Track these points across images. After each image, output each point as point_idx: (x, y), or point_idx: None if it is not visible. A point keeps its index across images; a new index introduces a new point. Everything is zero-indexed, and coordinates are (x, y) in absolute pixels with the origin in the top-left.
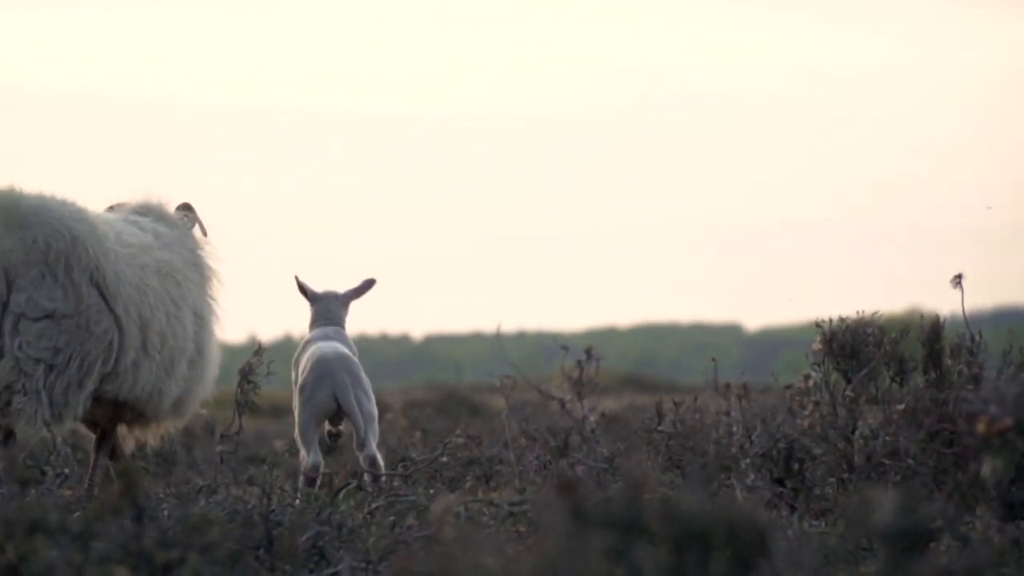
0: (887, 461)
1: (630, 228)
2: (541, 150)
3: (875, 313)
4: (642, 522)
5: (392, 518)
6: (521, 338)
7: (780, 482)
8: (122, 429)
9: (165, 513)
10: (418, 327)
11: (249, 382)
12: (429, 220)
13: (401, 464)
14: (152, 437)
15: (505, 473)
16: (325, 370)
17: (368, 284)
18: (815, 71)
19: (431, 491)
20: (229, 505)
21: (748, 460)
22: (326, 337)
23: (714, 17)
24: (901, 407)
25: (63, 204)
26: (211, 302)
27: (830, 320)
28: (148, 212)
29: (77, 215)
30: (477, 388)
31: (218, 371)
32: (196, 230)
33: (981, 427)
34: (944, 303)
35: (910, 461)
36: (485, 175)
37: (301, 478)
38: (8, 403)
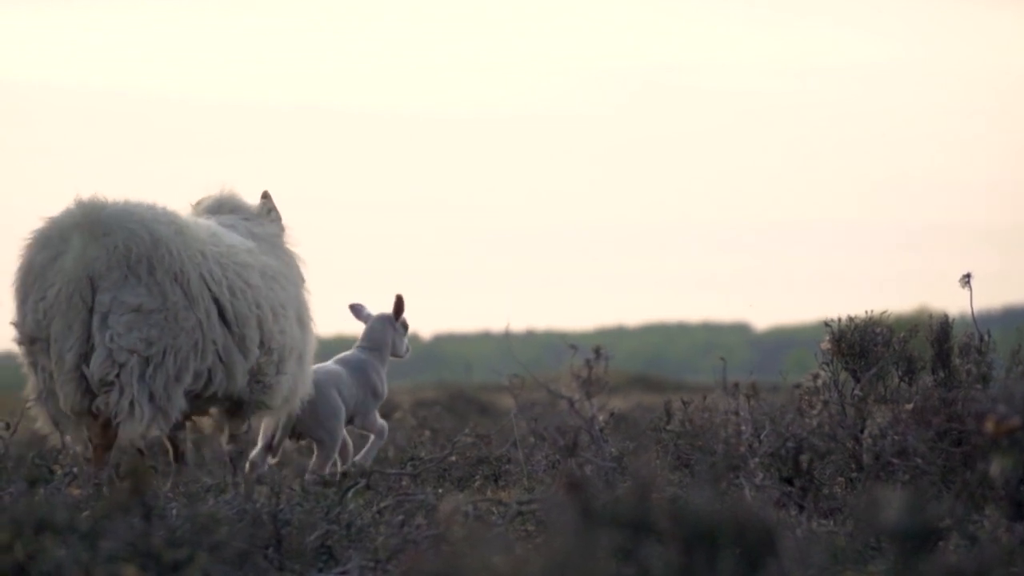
0: (896, 460)
1: (639, 227)
2: (550, 149)
3: (884, 312)
4: (651, 521)
5: (401, 517)
6: (530, 337)
7: (789, 481)
8: (217, 422)
9: (174, 512)
10: (427, 326)
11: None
12: (437, 219)
13: (410, 463)
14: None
15: (514, 472)
16: None
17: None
18: (823, 68)
19: (440, 490)
20: (238, 504)
21: (757, 459)
22: (340, 361)
23: (721, 15)
24: (910, 406)
25: (149, 208)
26: (306, 300)
27: (839, 319)
28: (222, 207)
29: (162, 217)
30: (486, 387)
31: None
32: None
33: (990, 426)
34: (953, 302)
35: (919, 460)
36: (494, 174)
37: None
38: (107, 399)
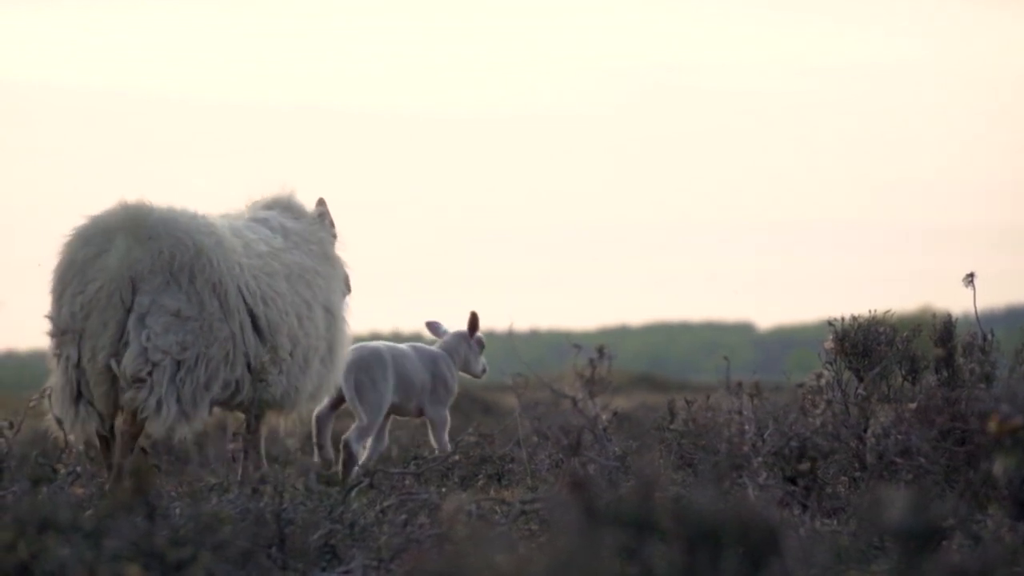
0: (899, 460)
1: (642, 227)
2: (552, 149)
3: (887, 312)
4: (654, 520)
5: (404, 516)
6: (533, 337)
7: (792, 480)
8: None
9: (177, 511)
10: None
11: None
12: (441, 218)
13: (413, 462)
14: (289, 423)
15: (517, 471)
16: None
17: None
18: (826, 68)
19: (443, 489)
20: (241, 503)
21: (760, 459)
22: (414, 347)
23: (722, 15)
24: (913, 406)
25: (192, 217)
26: (340, 294)
27: (842, 319)
28: (275, 205)
29: (205, 228)
30: (489, 387)
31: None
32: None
33: (993, 426)
34: (956, 302)
35: (922, 460)
36: (496, 174)
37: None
38: (135, 395)
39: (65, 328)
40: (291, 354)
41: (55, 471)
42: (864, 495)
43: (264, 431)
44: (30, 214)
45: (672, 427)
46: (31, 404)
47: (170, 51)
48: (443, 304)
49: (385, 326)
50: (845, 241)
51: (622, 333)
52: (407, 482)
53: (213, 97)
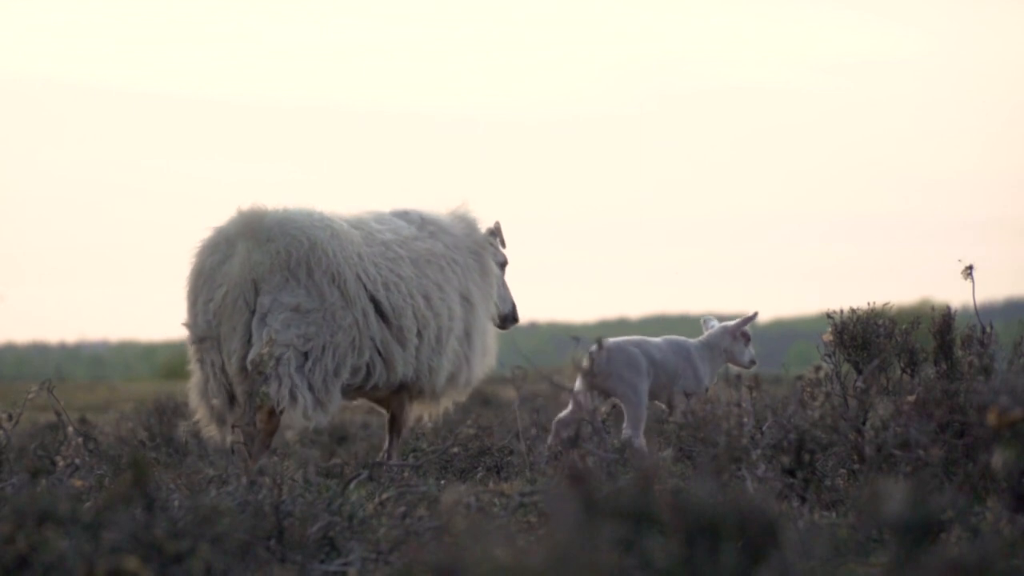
0: (898, 452)
1: (642, 219)
2: (553, 143)
3: (886, 304)
4: (653, 513)
5: (403, 509)
6: (532, 329)
7: (791, 473)
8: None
9: (176, 503)
10: None
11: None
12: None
13: (412, 454)
14: (434, 411)
15: (516, 464)
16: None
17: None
18: (828, 64)
19: (442, 482)
20: (240, 496)
21: (759, 451)
22: (666, 339)
23: (732, 9)
24: (912, 398)
25: (308, 215)
26: (481, 286)
27: (841, 311)
28: (412, 214)
29: (319, 223)
30: (488, 379)
31: (495, 350)
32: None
33: (992, 418)
34: (955, 294)
35: (921, 452)
36: (496, 168)
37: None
38: (267, 389)
39: (203, 336)
40: (419, 335)
41: (53, 463)
42: (863, 488)
43: (408, 419)
44: (31, 212)
45: (671, 419)
46: (30, 396)
47: (171, 50)
48: None
49: None
50: (844, 234)
51: (621, 325)
52: (406, 474)
53: (214, 96)
